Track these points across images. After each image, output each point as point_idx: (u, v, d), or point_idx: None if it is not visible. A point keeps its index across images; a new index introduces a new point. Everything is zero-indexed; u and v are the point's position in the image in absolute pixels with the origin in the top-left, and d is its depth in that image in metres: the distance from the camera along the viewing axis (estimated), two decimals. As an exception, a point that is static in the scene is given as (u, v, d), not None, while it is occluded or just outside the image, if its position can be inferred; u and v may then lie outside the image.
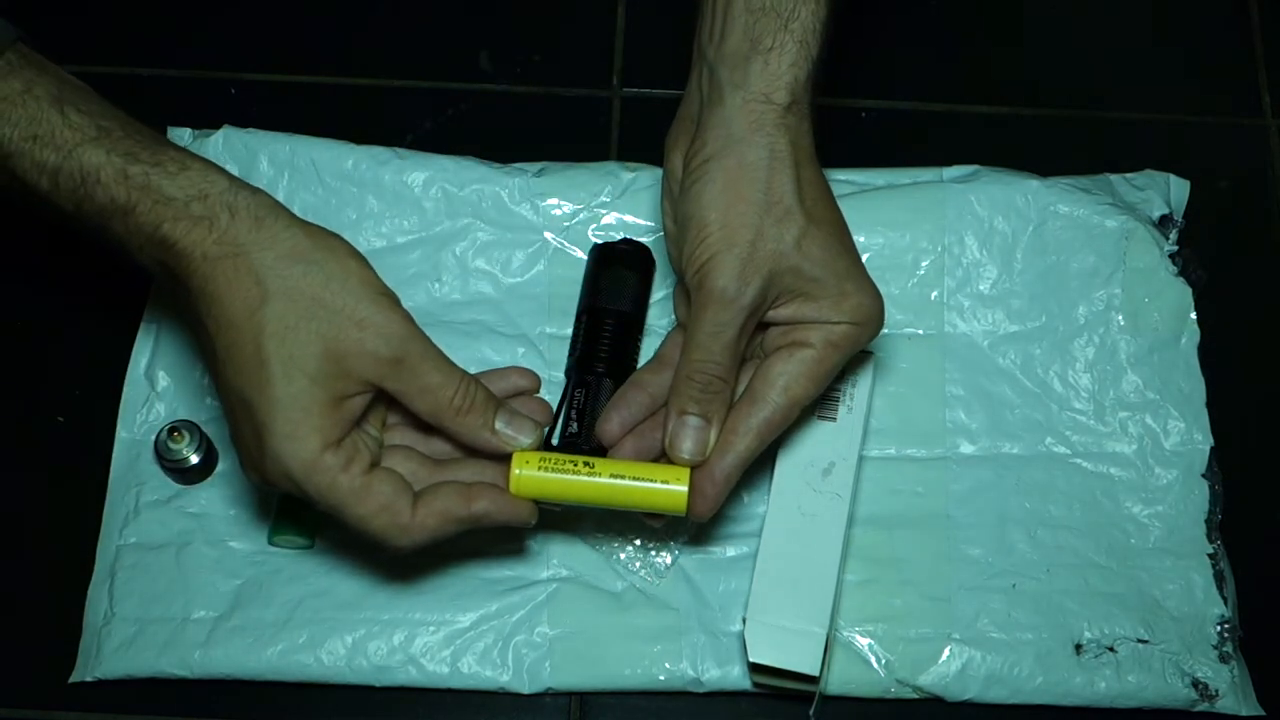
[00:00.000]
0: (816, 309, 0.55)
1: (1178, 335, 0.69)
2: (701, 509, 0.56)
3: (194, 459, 0.64)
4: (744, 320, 0.55)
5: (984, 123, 0.77)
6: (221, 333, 0.52)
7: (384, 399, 0.56)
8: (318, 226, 0.54)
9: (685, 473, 0.56)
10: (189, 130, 0.71)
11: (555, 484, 0.56)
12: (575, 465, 0.56)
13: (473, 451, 0.57)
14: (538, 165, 0.71)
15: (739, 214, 0.54)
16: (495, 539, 0.64)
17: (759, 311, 0.55)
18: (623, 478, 0.56)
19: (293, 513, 0.63)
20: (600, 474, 0.56)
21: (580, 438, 0.63)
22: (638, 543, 0.64)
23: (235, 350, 0.52)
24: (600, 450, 0.59)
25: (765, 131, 0.54)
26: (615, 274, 0.66)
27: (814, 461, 0.62)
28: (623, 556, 0.64)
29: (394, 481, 0.54)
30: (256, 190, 0.53)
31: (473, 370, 0.66)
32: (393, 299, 0.54)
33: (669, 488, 0.56)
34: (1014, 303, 0.69)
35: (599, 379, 0.64)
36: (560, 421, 0.64)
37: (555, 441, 0.63)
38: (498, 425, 0.56)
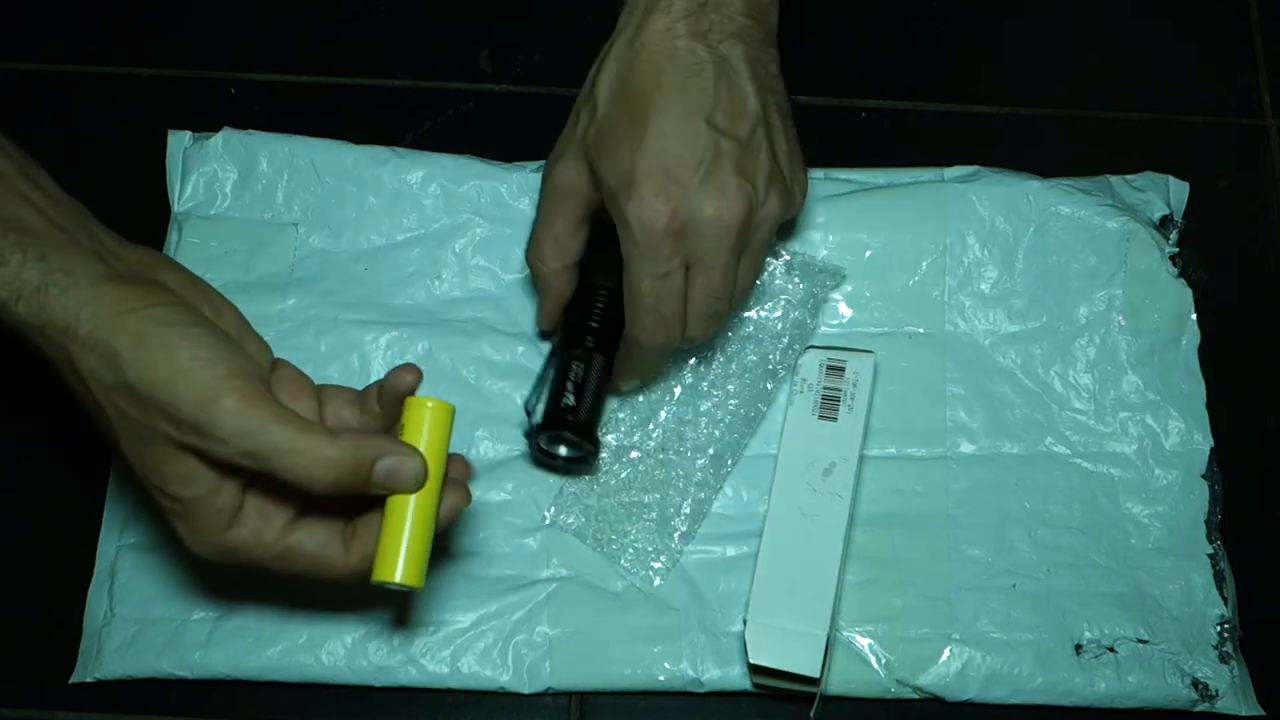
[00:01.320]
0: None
1: (1178, 336, 0.69)
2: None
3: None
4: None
5: (984, 123, 0.77)
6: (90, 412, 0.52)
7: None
8: (131, 295, 0.50)
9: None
10: (189, 133, 0.71)
11: (417, 539, 0.52)
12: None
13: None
14: (537, 163, 0.71)
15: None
16: (495, 538, 0.64)
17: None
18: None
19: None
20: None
21: (578, 411, 0.62)
22: (640, 548, 0.64)
23: (106, 431, 0.52)
24: (591, 425, 0.62)
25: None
26: (605, 252, 0.65)
27: (814, 462, 0.63)
28: (626, 560, 0.64)
29: (314, 537, 0.53)
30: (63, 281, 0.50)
31: (471, 369, 0.67)
32: (220, 380, 0.49)
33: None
34: (1015, 302, 0.69)
35: (590, 354, 0.63)
36: (548, 394, 0.63)
37: (542, 416, 0.63)
38: (378, 477, 0.51)
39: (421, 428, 0.53)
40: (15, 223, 0.50)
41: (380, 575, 0.52)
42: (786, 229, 0.69)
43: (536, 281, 0.64)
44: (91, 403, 0.51)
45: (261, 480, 0.52)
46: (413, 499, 0.52)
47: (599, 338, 0.63)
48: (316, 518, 0.54)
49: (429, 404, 0.53)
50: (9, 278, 0.49)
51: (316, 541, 0.53)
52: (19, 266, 0.49)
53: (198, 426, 0.48)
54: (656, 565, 0.64)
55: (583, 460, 0.64)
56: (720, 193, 0.56)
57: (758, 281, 0.68)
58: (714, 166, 0.56)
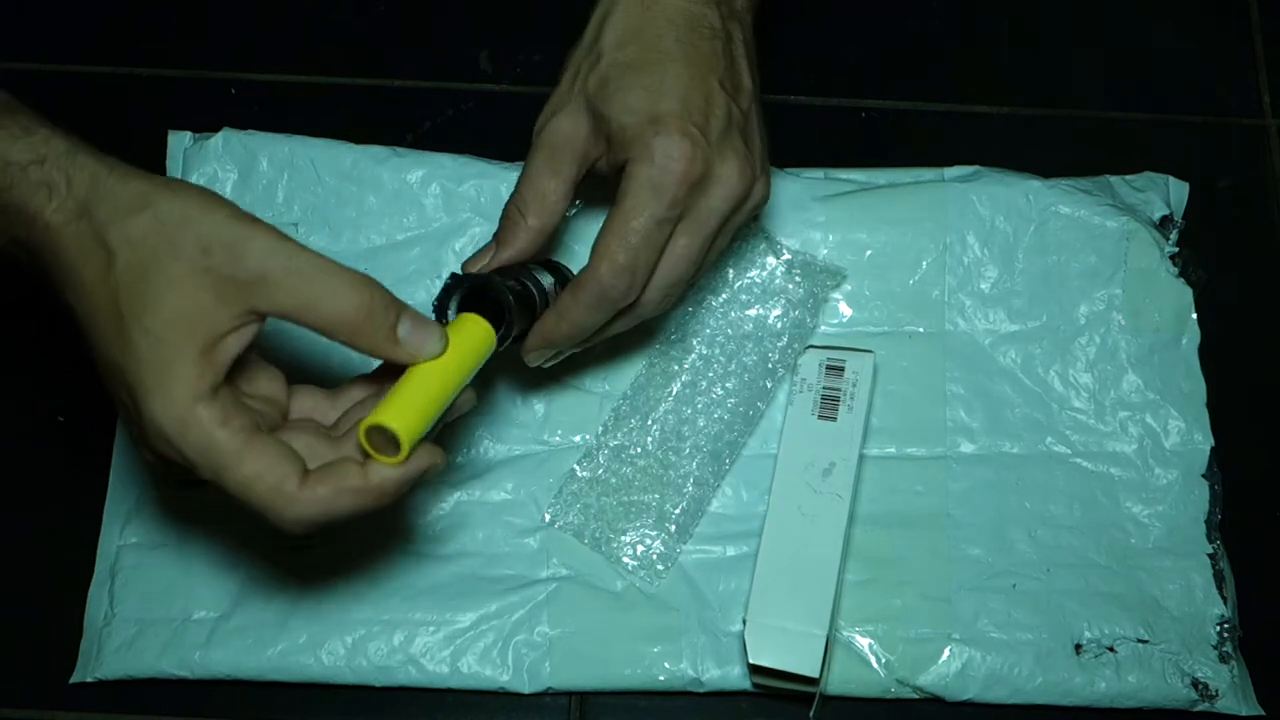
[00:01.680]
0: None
1: (1178, 335, 0.69)
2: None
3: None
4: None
5: (984, 123, 0.77)
6: (80, 302, 0.48)
7: (279, 368, 0.52)
8: (161, 177, 0.49)
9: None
10: (189, 134, 0.71)
11: (423, 404, 0.50)
12: (425, 379, 0.51)
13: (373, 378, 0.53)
14: (537, 164, 0.71)
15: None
16: (495, 537, 0.64)
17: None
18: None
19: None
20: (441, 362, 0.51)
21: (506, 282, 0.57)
22: (639, 547, 0.64)
23: (95, 317, 0.48)
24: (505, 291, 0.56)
25: None
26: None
27: (814, 462, 0.63)
28: (626, 560, 0.64)
29: (280, 446, 0.48)
30: (98, 153, 0.49)
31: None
32: (250, 219, 0.48)
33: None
34: (1015, 302, 0.69)
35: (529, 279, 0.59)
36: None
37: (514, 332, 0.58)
38: (400, 333, 0.50)
39: (462, 327, 0.52)
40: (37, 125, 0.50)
41: (379, 417, 0.48)
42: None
43: (500, 233, 0.58)
44: (92, 244, 0.48)
45: (248, 372, 0.51)
46: (431, 369, 0.50)
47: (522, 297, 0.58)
48: (287, 434, 0.51)
49: (475, 318, 0.52)
50: (37, 143, 0.49)
51: (281, 451, 0.48)
52: (46, 137, 0.49)
53: (230, 244, 0.47)
54: (656, 565, 0.64)
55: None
56: (733, 155, 0.55)
57: (757, 280, 0.68)
58: (728, 128, 0.55)
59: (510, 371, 0.67)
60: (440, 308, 0.55)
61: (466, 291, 0.55)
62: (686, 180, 0.54)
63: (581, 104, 0.57)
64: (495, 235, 0.58)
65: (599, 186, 0.59)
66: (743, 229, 0.63)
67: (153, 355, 0.47)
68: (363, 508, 0.49)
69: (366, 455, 0.49)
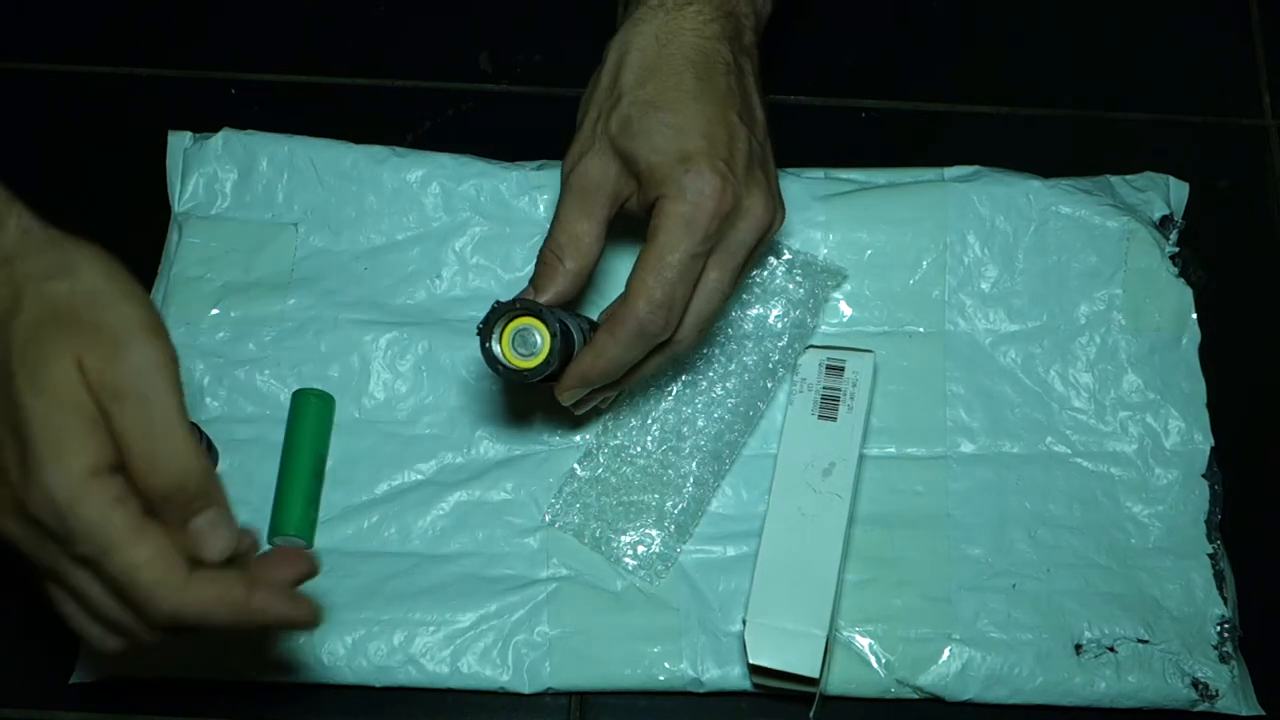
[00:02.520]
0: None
1: (1178, 335, 0.69)
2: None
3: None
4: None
5: (984, 123, 0.77)
6: None
7: None
8: (85, 242, 0.48)
9: None
10: (189, 133, 0.71)
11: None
12: None
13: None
14: (537, 162, 0.71)
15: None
16: (495, 537, 0.64)
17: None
18: None
19: (291, 512, 0.63)
20: None
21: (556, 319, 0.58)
22: (639, 547, 0.64)
23: None
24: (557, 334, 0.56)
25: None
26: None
27: (814, 462, 0.63)
28: (626, 560, 0.64)
29: (167, 536, 0.46)
30: (22, 208, 0.48)
31: (471, 369, 0.67)
32: (149, 330, 0.46)
33: None
34: (1015, 302, 0.69)
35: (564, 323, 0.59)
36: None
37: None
38: (197, 522, 0.47)
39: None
40: None
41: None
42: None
43: (537, 277, 0.59)
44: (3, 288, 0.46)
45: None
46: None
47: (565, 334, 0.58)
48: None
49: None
50: None
51: (167, 544, 0.46)
52: None
53: (113, 347, 0.45)
54: (656, 565, 0.64)
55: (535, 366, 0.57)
56: (759, 188, 0.56)
57: (757, 279, 0.68)
58: (751, 163, 0.56)
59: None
60: (486, 330, 0.56)
61: (516, 315, 0.56)
62: (719, 215, 0.55)
63: (607, 145, 0.57)
64: (531, 280, 0.59)
65: (620, 224, 0.60)
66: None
67: (47, 419, 0.44)
68: (236, 623, 0.48)
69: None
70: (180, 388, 0.46)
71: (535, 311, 0.57)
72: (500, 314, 0.57)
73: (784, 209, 0.59)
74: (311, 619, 0.50)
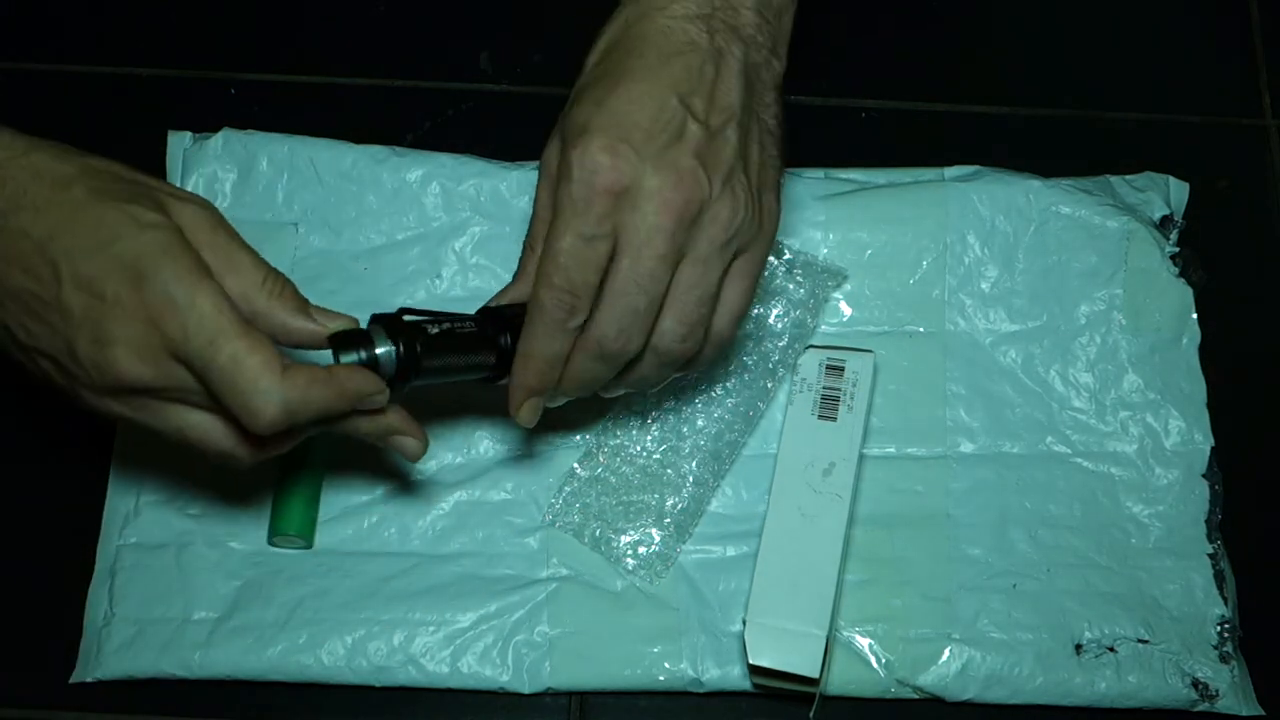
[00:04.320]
0: None
1: (1178, 335, 0.69)
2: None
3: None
4: None
5: (984, 123, 0.77)
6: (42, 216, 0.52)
7: None
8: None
9: None
10: (189, 133, 0.71)
11: None
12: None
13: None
14: (537, 162, 0.71)
15: None
16: (495, 537, 0.64)
17: None
18: None
19: (292, 512, 0.63)
20: None
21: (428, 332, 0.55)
22: (639, 547, 0.64)
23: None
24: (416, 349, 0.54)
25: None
26: None
27: (814, 462, 0.63)
28: (626, 560, 0.64)
29: (264, 334, 0.51)
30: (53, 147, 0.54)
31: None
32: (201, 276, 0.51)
33: None
34: (1015, 302, 0.69)
35: (487, 331, 0.57)
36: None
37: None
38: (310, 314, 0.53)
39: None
40: None
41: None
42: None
43: (517, 272, 0.58)
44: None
45: None
46: None
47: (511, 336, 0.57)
48: None
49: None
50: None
51: (266, 339, 0.50)
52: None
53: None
54: (656, 565, 0.64)
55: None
56: (669, 169, 0.52)
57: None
58: (672, 142, 0.53)
59: (510, 371, 0.67)
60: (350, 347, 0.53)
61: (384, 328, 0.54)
62: (605, 193, 0.52)
63: (559, 128, 0.56)
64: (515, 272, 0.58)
65: None
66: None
67: (153, 242, 0.50)
68: (330, 408, 0.51)
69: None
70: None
71: (388, 322, 0.54)
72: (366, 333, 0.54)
73: (752, 200, 0.55)
74: (416, 445, 0.56)
